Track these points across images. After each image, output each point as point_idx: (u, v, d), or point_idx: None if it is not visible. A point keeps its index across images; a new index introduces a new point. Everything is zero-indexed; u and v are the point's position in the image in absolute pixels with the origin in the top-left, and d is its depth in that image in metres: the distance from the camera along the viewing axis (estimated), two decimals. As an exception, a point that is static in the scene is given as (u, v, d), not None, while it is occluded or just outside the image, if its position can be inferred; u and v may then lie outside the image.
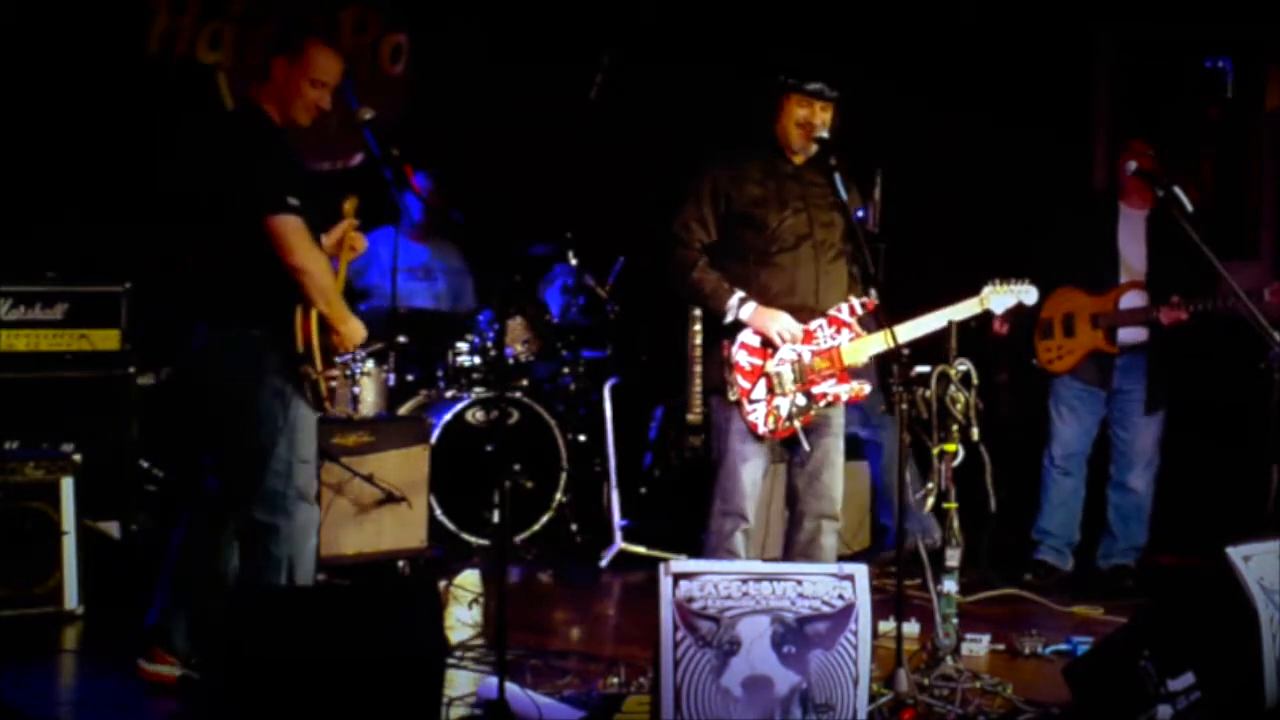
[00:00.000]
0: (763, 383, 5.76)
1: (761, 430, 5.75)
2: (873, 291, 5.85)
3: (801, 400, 5.77)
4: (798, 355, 5.76)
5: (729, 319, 5.76)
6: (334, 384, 5.34)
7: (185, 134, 5.44)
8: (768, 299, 5.77)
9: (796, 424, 5.77)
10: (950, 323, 5.85)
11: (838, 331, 5.81)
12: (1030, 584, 7.14)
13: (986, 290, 5.99)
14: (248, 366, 5.18)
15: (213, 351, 5.24)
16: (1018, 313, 6.24)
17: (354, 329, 5.31)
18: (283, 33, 5.40)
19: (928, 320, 5.96)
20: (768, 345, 5.76)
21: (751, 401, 5.75)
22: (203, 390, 5.29)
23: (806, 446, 5.81)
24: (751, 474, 5.80)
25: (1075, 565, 7.43)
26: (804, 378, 5.76)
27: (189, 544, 5.39)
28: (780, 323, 5.74)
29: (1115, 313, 7.25)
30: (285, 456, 5.19)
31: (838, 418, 5.91)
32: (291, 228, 5.11)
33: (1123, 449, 7.41)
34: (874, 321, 5.90)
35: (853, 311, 5.83)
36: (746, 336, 5.77)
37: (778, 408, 5.75)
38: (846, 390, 5.80)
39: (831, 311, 5.82)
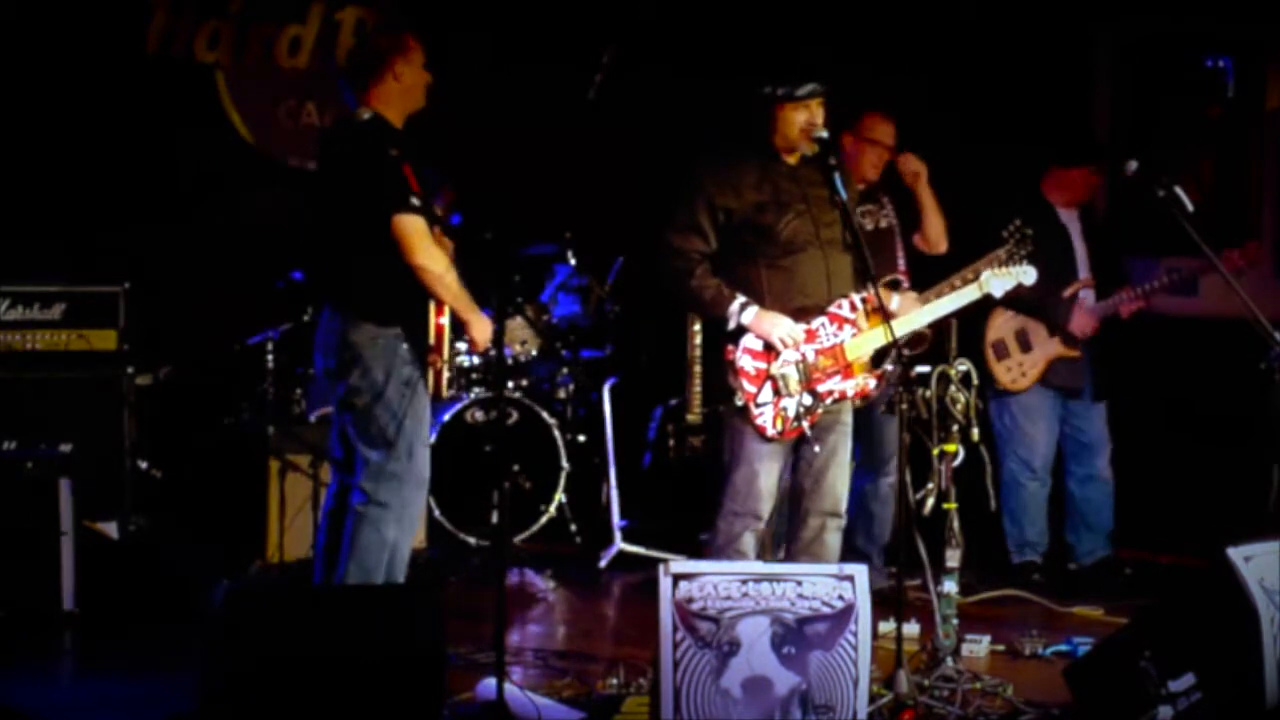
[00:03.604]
0: (768, 385, 5.73)
1: (770, 432, 5.72)
2: (870, 287, 5.84)
3: (808, 400, 5.75)
4: (802, 355, 5.74)
5: (731, 325, 5.72)
6: (446, 375, 5.70)
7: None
8: (780, 301, 5.73)
9: (804, 424, 5.75)
10: (951, 322, 5.85)
11: (840, 328, 5.79)
12: (1036, 583, 7.12)
13: (985, 275, 5.98)
14: (385, 361, 5.50)
15: (353, 345, 5.51)
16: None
17: (484, 326, 5.63)
18: (388, 36, 5.80)
19: (930, 309, 5.95)
20: (771, 348, 5.74)
21: (759, 405, 5.72)
22: (342, 380, 5.55)
23: (816, 447, 5.79)
24: (769, 475, 5.77)
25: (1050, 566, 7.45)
26: (809, 377, 5.74)
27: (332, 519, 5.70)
28: (781, 328, 5.70)
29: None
30: (408, 441, 5.51)
31: (845, 415, 5.89)
32: (414, 227, 5.44)
33: (1085, 440, 7.40)
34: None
35: (853, 307, 5.80)
36: (749, 341, 5.73)
37: (785, 409, 5.73)
38: (852, 386, 5.79)
39: (832, 309, 5.80)
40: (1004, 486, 7.30)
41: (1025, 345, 7.26)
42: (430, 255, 5.45)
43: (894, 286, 6.49)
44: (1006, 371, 7.26)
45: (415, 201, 5.44)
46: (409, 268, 5.45)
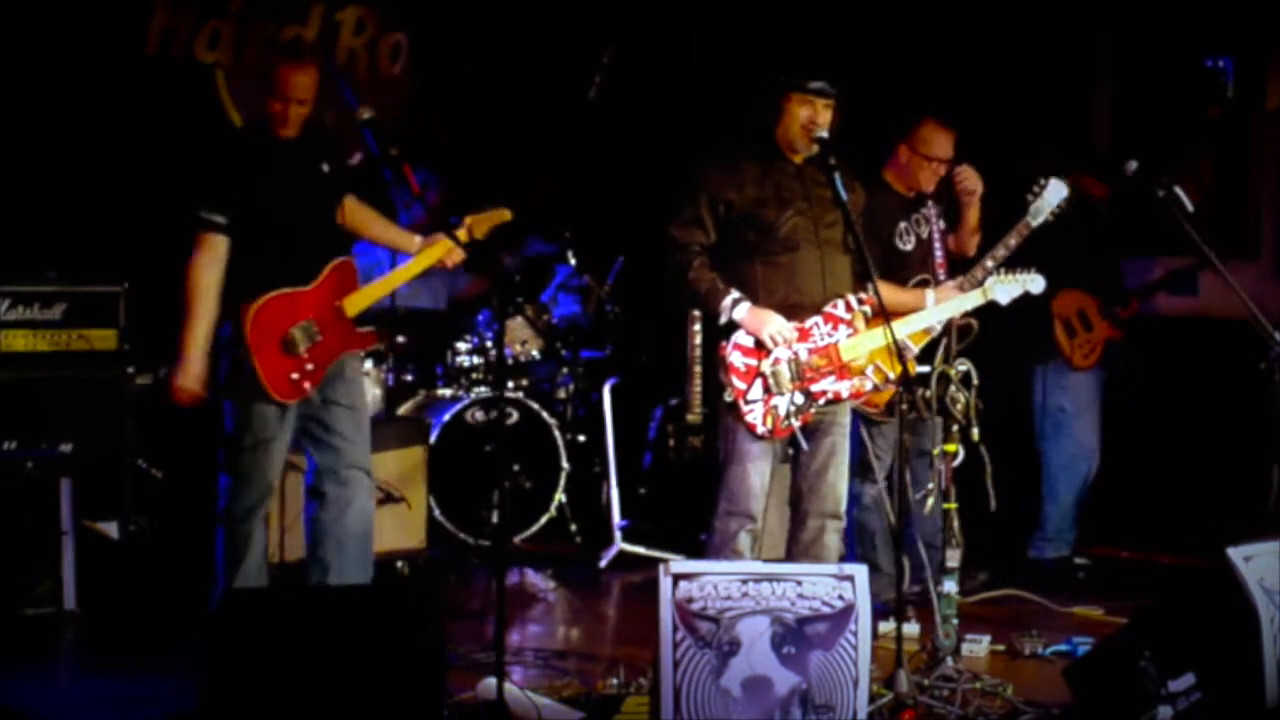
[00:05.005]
0: (759, 383, 5.73)
1: (760, 430, 5.73)
2: (870, 288, 5.83)
3: (800, 399, 5.74)
4: (794, 354, 5.73)
5: (723, 319, 5.74)
6: (295, 376, 5.65)
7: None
8: (774, 298, 5.74)
9: (795, 423, 5.74)
10: (951, 321, 5.84)
11: (834, 328, 5.78)
12: (1039, 583, 7.11)
13: (990, 281, 5.96)
14: (216, 357, 5.69)
15: None
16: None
17: (182, 371, 5.65)
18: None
19: (934, 312, 5.94)
20: (762, 345, 5.74)
21: (748, 402, 5.72)
22: None
23: (805, 445, 5.79)
24: (760, 474, 5.77)
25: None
26: (801, 376, 5.74)
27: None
28: (772, 325, 5.70)
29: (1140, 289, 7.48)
30: (233, 433, 5.68)
31: (843, 416, 5.88)
32: (196, 243, 5.65)
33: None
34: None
35: (849, 308, 5.80)
36: (740, 337, 5.74)
37: (775, 407, 5.72)
38: (847, 387, 5.78)
39: (827, 309, 5.79)
40: (1054, 475, 7.39)
41: (1086, 324, 7.32)
42: (190, 277, 5.64)
43: (924, 284, 6.48)
44: (1079, 349, 7.32)
45: (211, 217, 5.61)
46: (230, 270, 5.66)
